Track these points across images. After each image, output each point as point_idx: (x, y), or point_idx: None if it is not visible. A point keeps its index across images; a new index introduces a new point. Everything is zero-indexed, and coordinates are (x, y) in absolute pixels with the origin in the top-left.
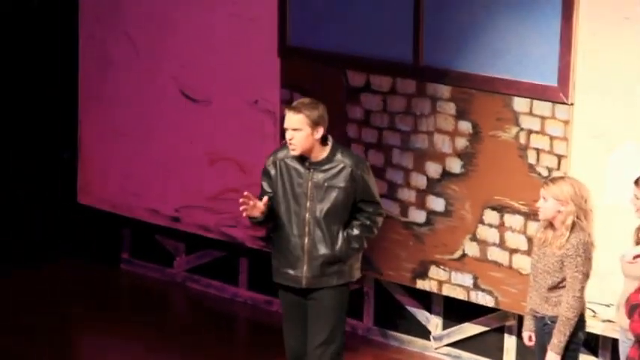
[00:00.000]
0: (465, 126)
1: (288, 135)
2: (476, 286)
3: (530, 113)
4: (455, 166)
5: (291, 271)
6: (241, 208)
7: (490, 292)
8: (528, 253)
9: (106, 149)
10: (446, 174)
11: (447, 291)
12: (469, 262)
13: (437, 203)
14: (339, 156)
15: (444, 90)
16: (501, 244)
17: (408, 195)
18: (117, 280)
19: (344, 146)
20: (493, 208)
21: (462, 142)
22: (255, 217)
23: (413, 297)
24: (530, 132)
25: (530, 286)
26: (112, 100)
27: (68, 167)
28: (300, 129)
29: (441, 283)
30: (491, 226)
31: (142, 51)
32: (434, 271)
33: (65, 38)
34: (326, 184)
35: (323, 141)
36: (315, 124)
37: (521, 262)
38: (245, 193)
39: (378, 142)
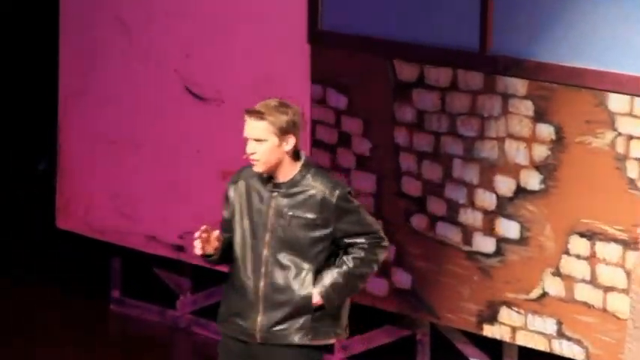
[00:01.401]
0: (546, 130)
1: (248, 147)
2: (560, 334)
3: (631, 114)
4: (532, 181)
5: (241, 322)
6: (195, 245)
7: (578, 342)
8: (627, 291)
9: (92, 159)
10: (521, 191)
11: (523, 340)
12: (551, 303)
13: (509, 228)
14: (309, 179)
15: (519, 85)
16: (592, 281)
17: (472, 218)
18: (105, 325)
19: (319, 166)
20: (581, 235)
21: (541, 151)
22: (208, 254)
23: (479, 347)
24: (630, 138)
25: (628, 334)
26: (100, 98)
27: (44, 182)
28: (264, 139)
29: (514, 329)
30: (578, 257)
31: (137, 37)
32: (505, 315)
33: (42, 22)
34: (290, 213)
35: (295, 155)
36: (283, 133)
37: (618, 304)
38: (203, 227)
39: (435, 152)
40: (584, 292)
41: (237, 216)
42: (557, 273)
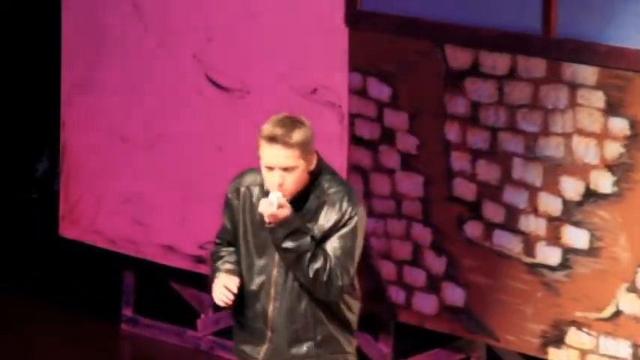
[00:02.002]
0: (619, 125)
1: (274, 177)
2: (636, 358)
3: None
4: (604, 183)
5: (247, 349)
6: (216, 299)
7: None
8: None
9: (100, 159)
10: (591, 194)
11: None
12: (626, 324)
13: (577, 237)
14: (321, 186)
15: (588, 73)
16: None
17: (534, 225)
18: (115, 347)
19: (330, 170)
20: None
21: (614, 149)
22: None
23: None
24: None
25: None
26: (108, 89)
27: (45, 185)
28: (295, 166)
29: (584, 353)
30: None
31: (152, 20)
32: (574, 336)
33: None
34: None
35: None
36: (308, 153)
37: None
38: (225, 293)
39: (492, 149)
40: None
41: (241, 229)
42: (633, 289)
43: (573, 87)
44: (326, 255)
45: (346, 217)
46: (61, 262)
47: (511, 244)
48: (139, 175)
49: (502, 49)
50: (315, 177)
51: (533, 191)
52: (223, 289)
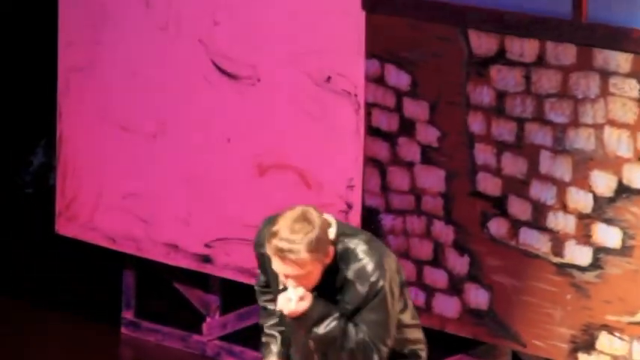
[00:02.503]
0: None
1: (290, 284)
2: None
3: None
4: (638, 177)
5: None
6: None
7: None
8: None
9: (100, 151)
10: (624, 190)
11: None
12: None
13: (609, 235)
14: (343, 259)
15: (621, 59)
16: None
17: (563, 222)
18: (115, 353)
19: (354, 234)
20: None
21: None
22: None
23: None
24: None
25: None
26: (108, 75)
27: (40, 179)
28: (310, 272)
29: (616, 359)
30: None
31: (155, 1)
32: (605, 341)
33: None
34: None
35: None
36: (324, 252)
37: None
38: None
39: (518, 141)
40: None
41: (273, 287)
42: None
43: (605, 75)
44: (358, 331)
45: (374, 289)
46: (58, 262)
47: (538, 243)
48: (141, 168)
49: (530, 34)
50: (336, 249)
51: (561, 186)
52: None
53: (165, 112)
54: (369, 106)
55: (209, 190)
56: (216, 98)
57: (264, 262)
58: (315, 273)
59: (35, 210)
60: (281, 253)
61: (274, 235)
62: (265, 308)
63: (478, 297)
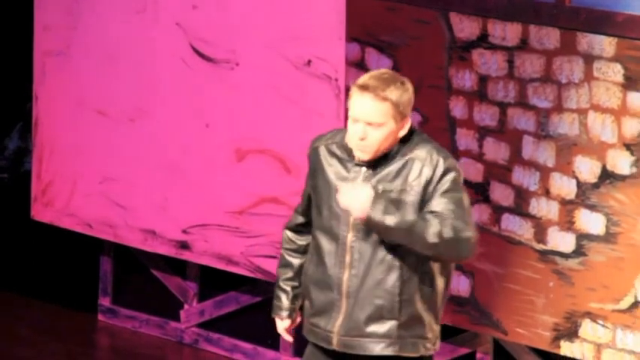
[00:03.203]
0: (639, 100)
1: (357, 130)
2: None
3: None
4: (622, 163)
5: (320, 322)
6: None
7: None
8: None
9: (76, 135)
10: (608, 176)
11: None
12: None
13: (593, 222)
14: (408, 146)
15: (605, 43)
16: None
17: (546, 209)
18: (92, 340)
19: (426, 137)
20: None
21: (633, 126)
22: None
23: None
24: None
25: None
26: (85, 59)
27: (16, 163)
28: (383, 123)
29: (599, 347)
30: None
31: None
32: (589, 329)
33: None
34: (381, 187)
35: None
36: (403, 117)
37: None
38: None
39: (500, 127)
40: None
41: (314, 189)
42: None
43: (589, 59)
44: (438, 214)
45: (440, 170)
46: (34, 248)
47: (521, 230)
48: (118, 153)
49: (512, 18)
50: (404, 142)
51: (545, 172)
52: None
53: (142, 96)
54: (350, 90)
55: (187, 176)
56: (195, 83)
57: (315, 162)
58: (385, 133)
59: (10, 195)
60: (367, 89)
61: (365, 75)
62: (284, 257)
63: (460, 284)
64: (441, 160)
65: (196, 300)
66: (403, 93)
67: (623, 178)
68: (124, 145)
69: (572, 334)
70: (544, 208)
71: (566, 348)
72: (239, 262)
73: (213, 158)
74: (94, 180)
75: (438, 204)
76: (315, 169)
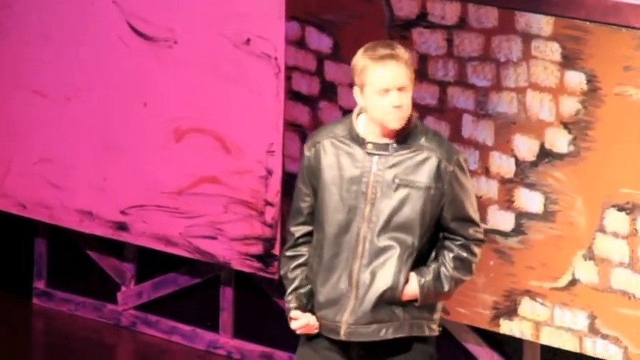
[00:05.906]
0: (576, 79)
1: (392, 99)
2: (593, 330)
3: None
4: (560, 142)
5: (329, 314)
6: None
7: (615, 340)
8: None
9: (11, 115)
10: (546, 154)
11: (548, 338)
12: (582, 293)
13: (531, 200)
14: (421, 139)
15: (543, 22)
16: (632, 264)
17: (486, 188)
18: (26, 324)
19: (430, 127)
20: (620, 209)
21: (571, 105)
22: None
23: (494, 347)
24: None
25: None
26: (20, 37)
27: None
28: (408, 86)
29: (538, 324)
30: (616, 235)
31: None
32: (527, 307)
33: None
34: (397, 181)
35: None
36: (413, 83)
37: None
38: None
39: (441, 105)
40: (622, 279)
41: (323, 185)
42: (591, 256)
43: (527, 38)
44: (458, 256)
45: (458, 173)
46: None
47: None
48: (55, 133)
49: None
50: (414, 129)
51: (484, 151)
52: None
53: (79, 75)
54: (290, 70)
55: (125, 156)
56: (132, 61)
57: (310, 168)
58: (410, 98)
59: None
60: (388, 58)
61: (369, 50)
62: (288, 257)
63: None
64: (456, 160)
65: (134, 282)
66: (408, 54)
67: (561, 156)
68: (60, 124)
69: (511, 312)
70: (484, 187)
71: (505, 326)
72: (178, 242)
73: (151, 138)
74: (29, 160)
75: (455, 211)
76: (318, 165)
